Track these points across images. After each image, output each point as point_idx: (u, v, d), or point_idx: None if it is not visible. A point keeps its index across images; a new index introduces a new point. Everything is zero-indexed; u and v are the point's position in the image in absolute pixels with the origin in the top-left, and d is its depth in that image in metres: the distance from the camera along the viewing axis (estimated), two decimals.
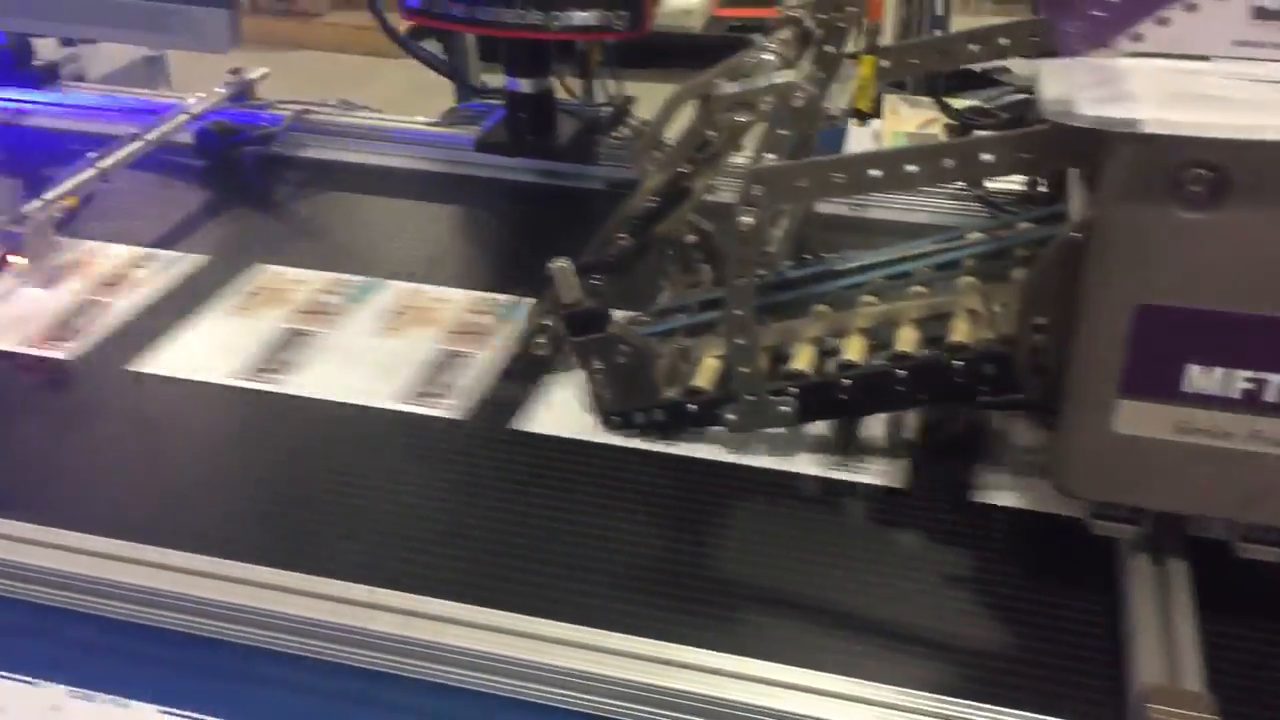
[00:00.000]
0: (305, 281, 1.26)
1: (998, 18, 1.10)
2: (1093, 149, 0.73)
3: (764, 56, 0.95)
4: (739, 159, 1.08)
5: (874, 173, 0.85)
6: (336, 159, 1.59)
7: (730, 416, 0.98)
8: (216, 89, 1.62)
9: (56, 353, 1.15)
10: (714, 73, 0.97)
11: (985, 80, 1.93)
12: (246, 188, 1.54)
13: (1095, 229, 0.75)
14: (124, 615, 0.84)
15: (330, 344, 1.15)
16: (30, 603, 0.86)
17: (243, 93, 1.64)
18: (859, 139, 2.05)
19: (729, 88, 0.92)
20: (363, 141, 1.60)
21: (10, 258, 1.23)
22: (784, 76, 0.93)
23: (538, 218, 1.44)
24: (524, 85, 1.41)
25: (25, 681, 0.80)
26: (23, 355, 1.15)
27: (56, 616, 0.85)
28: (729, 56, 0.99)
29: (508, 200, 1.49)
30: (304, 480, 0.98)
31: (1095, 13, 0.82)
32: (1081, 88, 0.74)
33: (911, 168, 0.84)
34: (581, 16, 1.29)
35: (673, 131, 1.02)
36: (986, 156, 0.83)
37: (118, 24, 1.16)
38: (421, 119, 1.60)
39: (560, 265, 0.99)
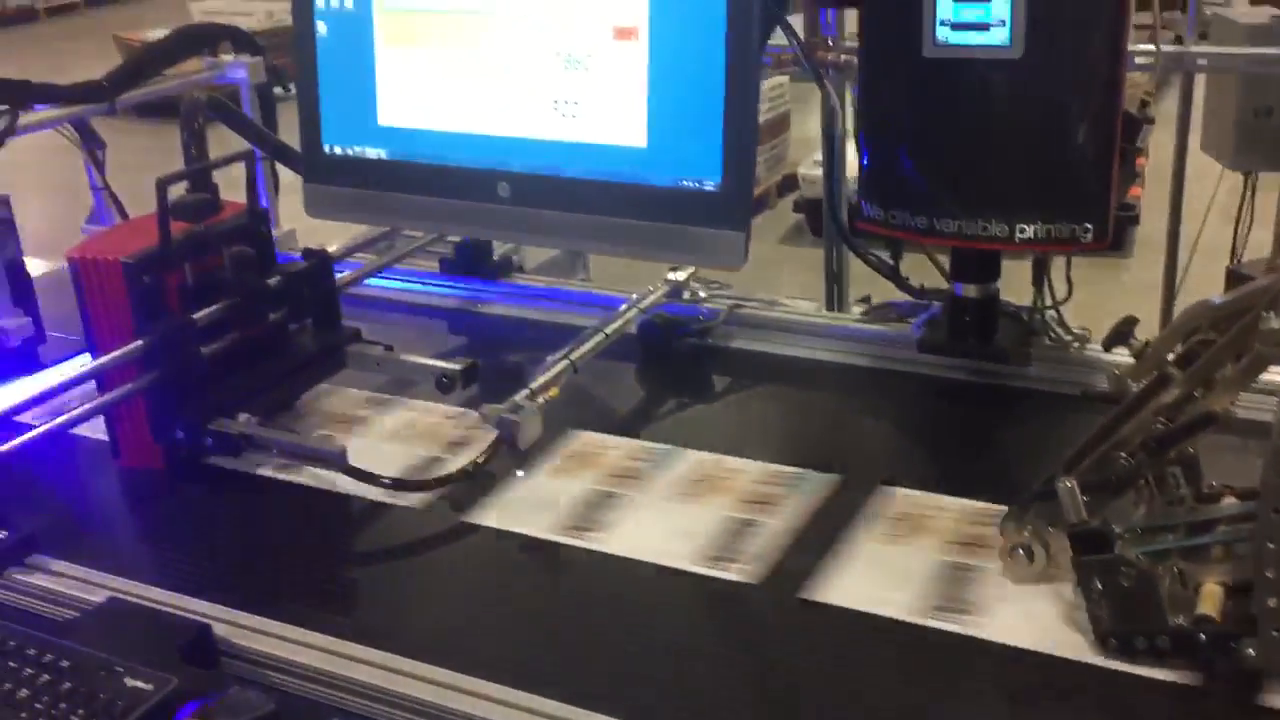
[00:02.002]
0: (742, 471, 1.32)
1: None
2: None
3: None
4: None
5: None
6: (764, 350, 1.65)
7: (1250, 651, 0.95)
8: (657, 285, 1.74)
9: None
10: (1239, 299, 0.97)
11: None
12: (683, 376, 1.63)
13: None
14: None
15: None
16: None
17: (678, 288, 1.75)
18: None
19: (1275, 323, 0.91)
20: (791, 335, 1.66)
21: (506, 444, 1.35)
22: None
23: (971, 416, 1.46)
24: (970, 290, 1.45)
25: None
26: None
27: None
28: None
29: (938, 397, 1.51)
30: (597, 626, 1.09)
31: None
32: None
33: None
34: (1046, 229, 1.32)
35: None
36: None
37: (635, 243, 1.27)
38: (854, 314, 1.66)
39: (1066, 484, 1.00)
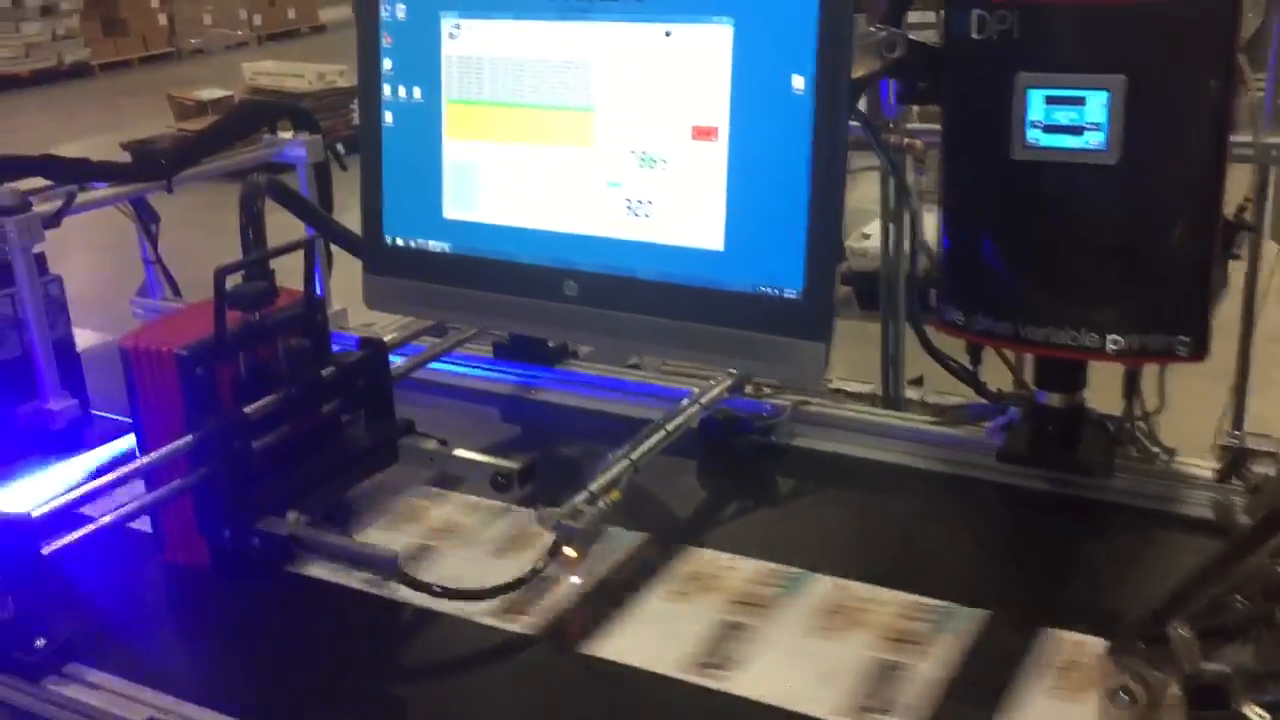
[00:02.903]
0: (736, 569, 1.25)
1: None
2: None
3: None
4: None
5: None
6: (829, 449, 1.59)
7: None
8: (718, 378, 1.68)
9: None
10: None
11: None
12: (748, 477, 1.56)
13: None
14: None
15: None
16: None
17: (740, 383, 1.69)
18: None
19: None
20: (859, 435, 1.60)
21: (566, 549, 1.28)
22: None
23: (1060, 533, 1.38)
24: (1054, 399, 1.38)
25: None
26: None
27: None
28: None
29: (1024, 509, 1.44)
30: None
31: None
32: None
33: None
34: (1142, 340, 1.25)
35: None
36: None
37: (708, 349, 1.21)
38: (923, 414, 1.60)
39: (1181, 632, 0.92)
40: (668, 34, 1.18)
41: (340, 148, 1.91)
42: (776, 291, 1.17)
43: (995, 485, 1.47)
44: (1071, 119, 1.22)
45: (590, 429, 1.68)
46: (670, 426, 1.54)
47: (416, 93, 1.33)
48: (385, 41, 1.34)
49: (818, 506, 1.50)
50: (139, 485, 1.30)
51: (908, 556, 1.36)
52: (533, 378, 1.81)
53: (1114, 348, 1.26)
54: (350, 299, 2.07)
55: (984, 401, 1.54)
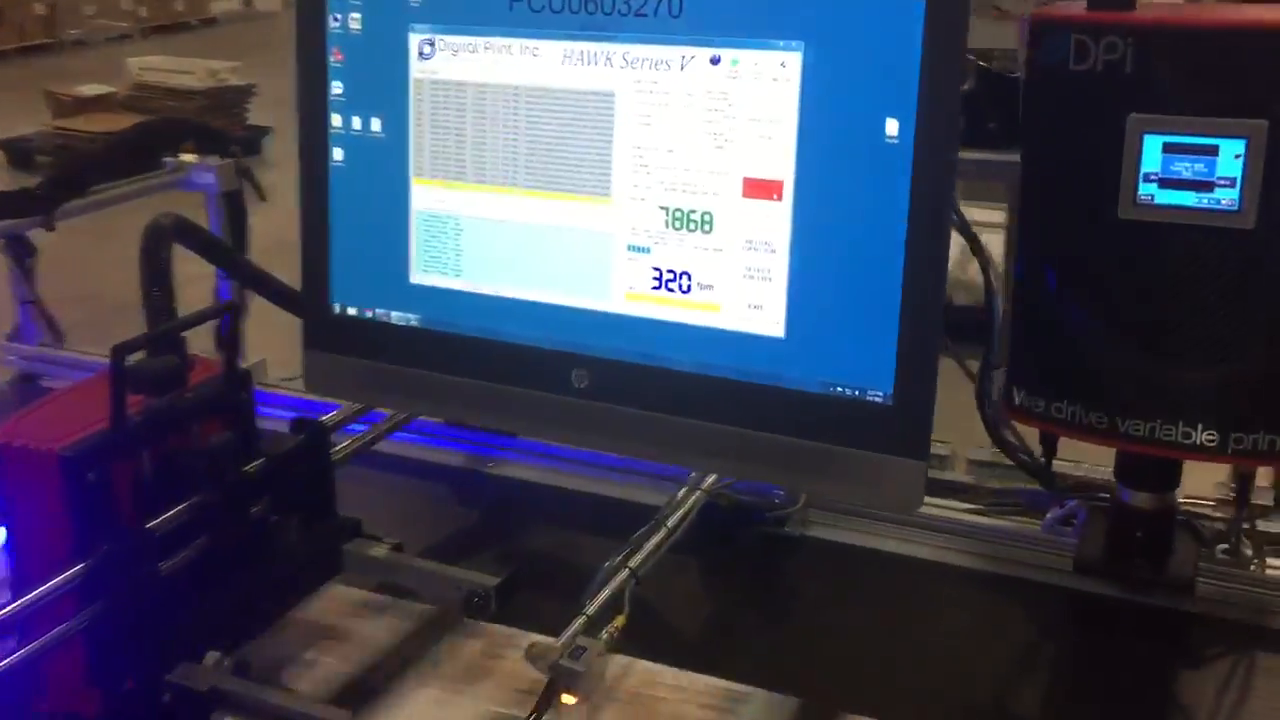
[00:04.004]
0: None
1: None
2: None
3: None
4: None
5: None
6: (853, 543, 1.36)
7: None
8: None
9: None
10: None
11: None
12: (757, 574, 1.33)
13: None
14: None
15: None
16: None
17: None
18: None
19: None
20: (887, 525, 1.36)
21: (564, 696, 1.02)
22: None
23: (1147, 658, 1.16)
24: (1141, 499, 1.16)
25: None
26: None
27: None
28: None
29: (1090, 627, 1.21)
30: None
31: None
32: None
33: None
34: (1271, 440, 1.03)
35: None
36: None
37: (762, 464, 0.95)
38: (964, 505, 1.37)
39: None
40: (715, 60, 0.92)
41: (253, 173, 1.61)
42: (855, 393, 0.91)
43: (1049, 589, 1.25)
44: (1198, 172, 1.00)
45: (567, 516, 1.42)
46: (672, 522, 1.29)
47: (375, 124, 1.05)
48: (334, 58, 1.06)
49: (839, 617, 1.26)
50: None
51: (950, 685, 1.13)
52: (492, 448, 1.54)
53: (1238, 448, 1.04)
54: (270, 347, 1.78)
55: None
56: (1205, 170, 0.99)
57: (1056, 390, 1.11)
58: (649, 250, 0.96)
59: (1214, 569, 1.22)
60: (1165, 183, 1.01)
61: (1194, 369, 1.04)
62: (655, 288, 0.97)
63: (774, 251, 0.92)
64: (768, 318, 0.93)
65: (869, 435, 0.90)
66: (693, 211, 0.94)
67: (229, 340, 1.15)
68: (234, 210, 1.58)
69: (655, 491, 1.36)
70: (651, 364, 0.98)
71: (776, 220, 0.91)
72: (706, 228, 0.94)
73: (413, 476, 1.51)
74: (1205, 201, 1.00)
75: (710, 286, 0.95)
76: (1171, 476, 1.15)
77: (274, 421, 1.26)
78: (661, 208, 0.96)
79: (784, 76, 0.89)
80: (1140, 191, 1.02)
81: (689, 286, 0.95)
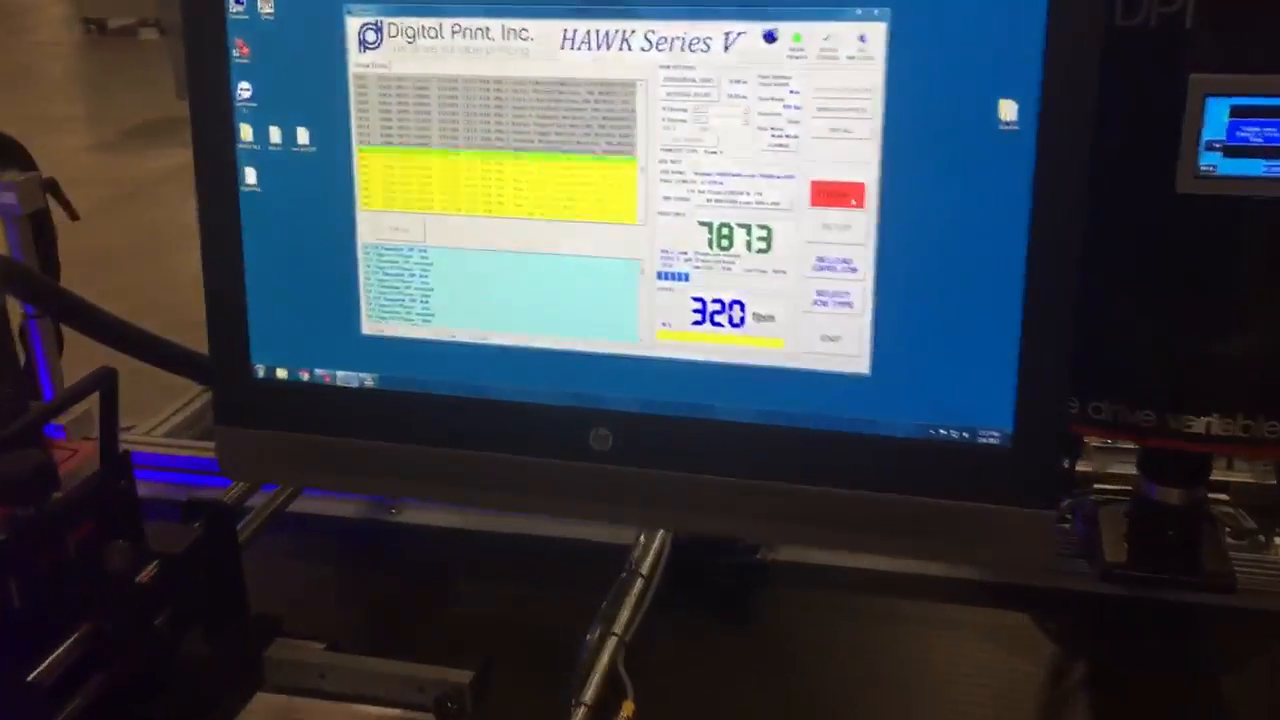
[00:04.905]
0: None
1: None
2: None
3: None
4: None
5: None
6: (830, 563, 1.21)
7: None
8: None
9: None
10: None
11: None
12: (726, 613, 1.17)
13: None
14: None
15: None
16: None
17: None
18: None
19: None
20: None
21: None
22: None
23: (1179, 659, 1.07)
24: (1170, 495, 1.06)
25: None
26: None
27: None
28: None
29: (1117, 637, 1.11)
30: None
31: None
32: None
33: None
34: None
35: None
36: None
37: (844, 528, 0.77)
38: None
39: None
40: (770, 36, 0.73)
41: (59, 187, 1.30)
42: (964, 435, 0.75)
43: (1054, 595, 1.14)
44: (1269, 137, 0.88)
45: (512, 566, 1.23)
46: (646, 569, 1.12)
47: (302, 136, 0.80)
48: (238, 52, 0.81)
49: (826, 649, 1.12)
50: None
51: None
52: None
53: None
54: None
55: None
56: (1278, 135, 0.88)
57: (1094, 390, 0.98)
58: (687, 277, 0.77)
59: (1243, 559, 1.15)
60: (1231, 150, 0.89)
61: (1259, 358, 0.94)
62: (697, 323, 0.77)
63: (855, 270, 0.74)
64: (847, 351, 0.75)
65: (982, 484, 0.75)
66: (745, 227, 0.76)
67: (106, 418, 0.90)
68: (41, 235, 1.28)
69: (599, 526, 1.19)
70: (694, 416, 0.78)
71: (857, 232, 0.74)
72: (763, 246, 0.76)
73: (314, 535, 1.27)
74: (1278, 170, 0.89)
75: (770, 318, 0.76)
76: (1204, 469, 1.06)
77: (152, 496, 1.01)
78: (702, 224, 0.76)
79: (864, 53, 0.71)
80: (1202, 162, 0.89)
81: (742, 319, 0.76)
